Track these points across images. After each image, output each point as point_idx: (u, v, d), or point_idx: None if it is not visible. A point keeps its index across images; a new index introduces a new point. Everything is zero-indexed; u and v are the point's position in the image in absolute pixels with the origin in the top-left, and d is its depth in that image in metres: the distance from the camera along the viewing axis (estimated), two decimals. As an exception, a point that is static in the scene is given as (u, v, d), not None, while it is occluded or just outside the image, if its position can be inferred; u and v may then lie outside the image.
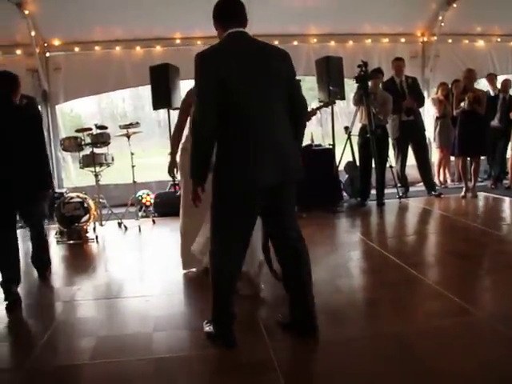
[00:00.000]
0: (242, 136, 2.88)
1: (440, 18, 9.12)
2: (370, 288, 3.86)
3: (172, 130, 7.66)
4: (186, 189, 4.41)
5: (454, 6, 8.82)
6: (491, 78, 9.19)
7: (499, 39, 9.93)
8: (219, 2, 3.15)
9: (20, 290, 4.43)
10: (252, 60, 2.95)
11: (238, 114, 2.88)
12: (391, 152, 8.04)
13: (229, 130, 2.89)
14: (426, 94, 9.03)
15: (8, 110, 4.39)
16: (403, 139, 8.14)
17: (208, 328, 3.22)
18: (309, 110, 7.16)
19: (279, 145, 2.94)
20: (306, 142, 7.97)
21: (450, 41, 9.61)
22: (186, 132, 4.53)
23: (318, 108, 7.18)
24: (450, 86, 8.63)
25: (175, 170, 4.63)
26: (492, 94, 8.95)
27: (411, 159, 8.39)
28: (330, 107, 7.73)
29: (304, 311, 3.17)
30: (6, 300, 3.95)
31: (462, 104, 7.62)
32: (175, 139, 4.66)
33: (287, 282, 3.23)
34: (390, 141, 7.99)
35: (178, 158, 4.60)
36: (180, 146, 4.58)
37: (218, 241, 3.07)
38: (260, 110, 2.90)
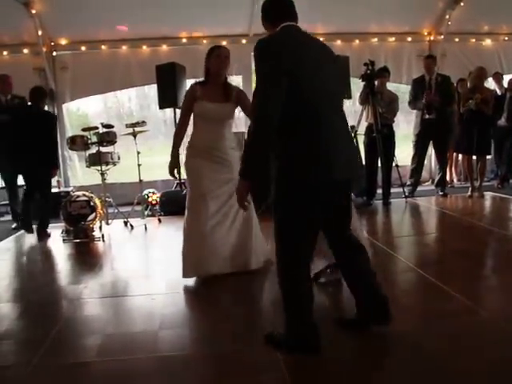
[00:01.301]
0: (314, 130, 2.71)
1: (447, 16, 9.08)
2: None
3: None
4: (193, 190, 4.42)
5: (461, 4, 8.78)
6: (497, 77, 9.15)
7: (506, 38, 9.87)
8: (266, 3, 2.99)
9: (26, 288, 4.48)
10: (314, 52, 2.85)
11: (307, 107, 2.71)
12: (398, 150, 8.02)
13: (298, 125, 2.72)
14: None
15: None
16: (424, 137, 8.08)
17: (281, 340, 3.00)
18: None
19: (347, 139, 2.91)
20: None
21: (456, 40, 9.57)
22: (189, 131, 4.52)
23: None
24: (455, 84, 8.60)
25: (175, 170, 4.46)
26: (498, 92, 8.91)
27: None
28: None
29: (378, 299, 3.07)
30: None
31: (470, 101, 7.57)
32: (177, 140, 4.48)
33: (354, 277, 3.12)
34: (413, 137, 7.98)
35: (182, 158, 4.53)
36: (184, 146, 4.53)
37: (294, 251, 2.85)
38: (327, 102, 2.77)
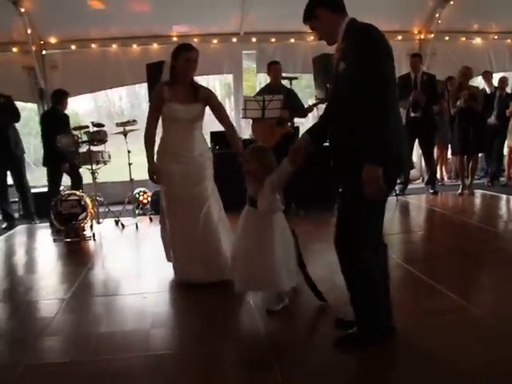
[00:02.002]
0: (394, 120, 2.73)
1: (437, 15, 9.13)
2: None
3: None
4: (169, 195, 4.26)
5: (451, 3, 8.83)
6: (487, 76, 9.20)
7: (496, 36, 9.94)
8: None
9: (18, 287, 4.46)
10: None
11: (394, 96, 2.73)
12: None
13: (392, 112, 2.73)
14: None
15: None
16: (409, 135, 8.09)
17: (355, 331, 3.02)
18: (305, 106, 7.22)
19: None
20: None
21: (446, 38, 9.62)
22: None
23: (315, 105, 7.20)
24: (445, 83, 8.64)
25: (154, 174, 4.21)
26: (488, 91, 8.96)
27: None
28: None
29: (388, 300, 3.07)
30: None
31: (459, 102, 7.63)
32: (150, 143, 4.23)
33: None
34: None
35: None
36: (155, 150, 4.27)
37: (367, 236, 2.86)
38: None
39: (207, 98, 4.26)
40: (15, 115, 7.26)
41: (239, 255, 3.53)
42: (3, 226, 7.14)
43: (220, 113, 4.40)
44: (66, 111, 7.49)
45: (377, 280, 2.92)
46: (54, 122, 7.05)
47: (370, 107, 2.63)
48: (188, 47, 4.19)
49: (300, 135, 7.92)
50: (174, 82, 4.17)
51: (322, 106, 8.44)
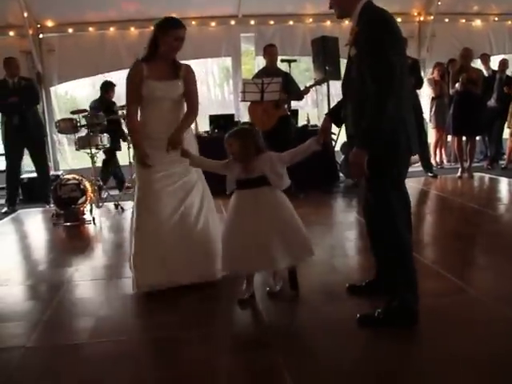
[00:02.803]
0: (399, 106, 2.79)
1: (437, -4, 9.07)
2: (367, 268, 3.86)
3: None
4: (145, 186, 3.83)
5: (451, -16, 8.77)
6: (484, 58, 9.16)
7: (496, 18, 9.88)
8: None
9: (19, 271, 4.48)
10: None
11: (400, 85, 2.78)
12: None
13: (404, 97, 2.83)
14: (422, 74, 8.96)
15: None
16: None
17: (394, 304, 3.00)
18: (302, 88, 7.19)
19: None
20: (301, 122, 7.98)
21: (446, 20, 9.56)
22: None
23: (311, 86, 7.18)
24: (446, 65, 8.60)
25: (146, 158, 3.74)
26: (486, 74, 8.92)
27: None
28: (325, 86, 7.69)
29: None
30: None
31: (457, 85, 7.61)
32: (135, 130, 3.84)
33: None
34: None
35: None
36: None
37: (394, 203, 2.94)
38: None
39: (187, 72, 3.87)
40: (35, 98, 7.39)
41: (241, 238, 3.33)
42: (3, 210, 7.15)
43: (189, 93, 3.93)
44: (69, 96, 7.56)
45: (408, 246, 3.00)
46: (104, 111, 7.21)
47: (371, 96, 2.69)
48: (178, 24, 3.75)
49: (299, 117, 7.96)
50: (153, 59, 3.77)
51: (322, 91, 8.45)
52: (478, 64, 9.04)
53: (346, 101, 3.08)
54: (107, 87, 7.98)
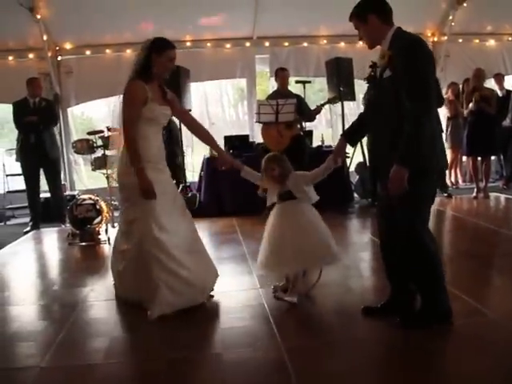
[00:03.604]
0: (430, 125, 2.99)
1: (450, 17, 9.12)
2: (382, 288, 3.84)
3: (182, 132, 7.76)
4: (153, 208, 3.68)
5: (465, 5, 8.80)
6: (499, 78, 9.13)
7: (510, 38, 9.89)
8: None
9: (34, 291, 4.51)
10: None
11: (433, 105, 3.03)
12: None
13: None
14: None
15: None
16: None
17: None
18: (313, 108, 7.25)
19: None
20: (316, 143, 8.00)
21: (460, 40, 9.59)
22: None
23: (323, 105, 7.25)
24: (460, 85, 8.59)
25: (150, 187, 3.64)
26: (500, 94, 8.89)
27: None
28: (339, 106, 7.73)
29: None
30: None
31: (470, 105, 7.61)
32: (139, 158, 3.62)
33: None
34: None
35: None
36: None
37: (422, 218, 3.15)
38: None
39: (173, 100, 3.92)
40: (54, 118, 7.53)
41: (282, 243, 3.73)
42: (25, 229, 7.23)
43: (187, 115, 4.18)
44: (85, 117, 7.66)
45: (438, 257, 3.21)
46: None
47: (409, 114, 2.90)
48: (171, 44, 3.74)
49: (313, 138, 8.00)
50: (149, 80, 3.69)
51: (336, 111, 8.47)
52: (491, 84, 9.03)
53: (374, 123, 3.30)
54: None
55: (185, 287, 3.70)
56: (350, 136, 3.58)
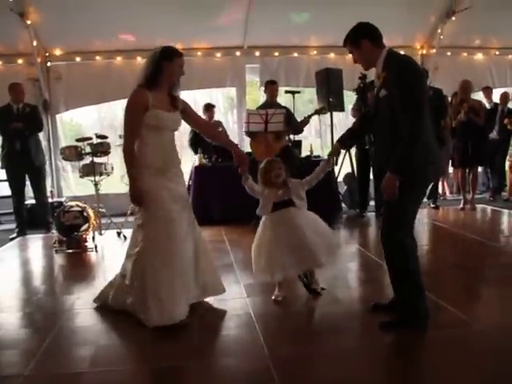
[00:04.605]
0: (426, 137, 3.22)
1: (439, 30, 9.20)
2: (369, 299, 3.86)
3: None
4: (156, 218, 3.68)
5: (453, 19, 8.90)
6: (487, 91, 9.24)
7: (497, 52, 10.01)
8: (367, 23, 3.53)
9: (19, 298, 4.46)
10: None
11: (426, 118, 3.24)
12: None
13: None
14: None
15: None
16: None
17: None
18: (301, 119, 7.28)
19: None
20: (305, 153, 8.02)
21: (448, 53, 9.68)
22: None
23: (310, 116, 7.28)
24: (450, 98, 8.67)
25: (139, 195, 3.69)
26: (488, 106, 8.99)
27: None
28: (328, 118, 7.77)
29: None
30: None
31: (460, 116, 7.68)
32: (133, 163, 3.73)
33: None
34: None
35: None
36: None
37: (408, 225, 3.34)
38: None
39: (184, 106, 3.94)
40: (39, 125, 7.46)
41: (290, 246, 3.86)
42: (11, 236, 7.17)
43: (197, 117, 4.22)
44: (74, 123, 7.62)
45: (416, 263, 3.35)
46: None
47: (404, 129, 3.12)
48: (180, 52, 3.81)
49: (302, 148, 8.03)
50: (154, 88, 3.72)
51: (325, 122, 8.52)
52: (480, 97, 9.12)
53: (376, 136, 3.72)
54: None
55: (171, 304, 3.58)
56: (343, 141, 3.77)
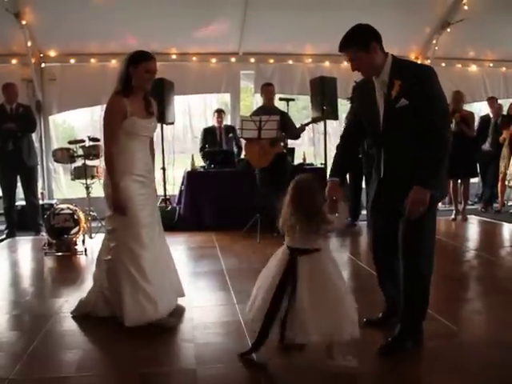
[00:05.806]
0: None
1: (434, 41, 9.26)
2: (359, 308, 3.84)
3: (164, 144, 7.74)
4: (130, 225, 3.71)
5: (448, 30, 8.96)
6: (492, 102, 9.28)
7: (491, 64, 10.09)
8: (368, 25, 3.17)
9: (7, 300, 4.42)
10: None
11: None
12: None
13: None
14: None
15: None
16: None
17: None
18: (298, 126, 7.27)
19: None
20: (297, 160, 8.03)
21: (443, 64, 9.72)
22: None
23: (307, 124, 7.27)
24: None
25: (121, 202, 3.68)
26: (491, 116, 9.05)
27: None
28: (322, 124, 7.77)
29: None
30: None
31: (451, 126, 7.70)
32: (114, 169, 3.68)
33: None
34: None
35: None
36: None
37: (431, 245, 3.20)
38: None
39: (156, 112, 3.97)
40: (32, 125, 7.41)
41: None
42: (1, 237, 7.13)
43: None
44: (67, 125, 7.57)
45: (429, 282, 3.30)
46: None
47: (436, 140, 2.94)
48: (148, 56, 3.71)
49: (295, 156, 7.97)
50: (129, 94, 3.69)
51: (319, 130, 8.53)
52: (473, 108, 9.17)
53: (389, 153, 3.16)
54: None
55: (148, 303, 3.67)
56: (338, 172, 3.41)
